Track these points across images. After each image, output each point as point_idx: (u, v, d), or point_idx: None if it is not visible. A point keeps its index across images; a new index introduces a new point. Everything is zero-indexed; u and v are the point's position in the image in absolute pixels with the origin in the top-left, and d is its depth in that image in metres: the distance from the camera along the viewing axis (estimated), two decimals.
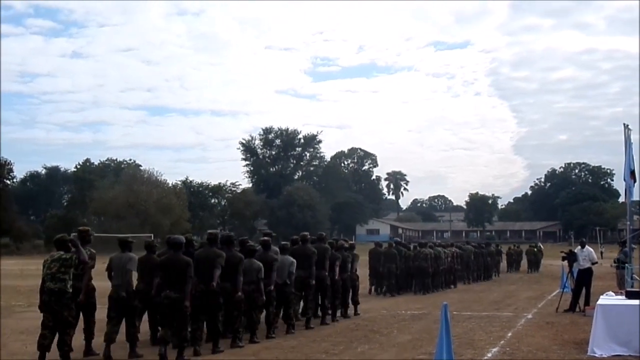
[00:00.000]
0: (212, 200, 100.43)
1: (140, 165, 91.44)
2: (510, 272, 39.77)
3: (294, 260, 13.98)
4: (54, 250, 10.42)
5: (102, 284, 12.03)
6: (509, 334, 13.73)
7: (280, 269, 13.47)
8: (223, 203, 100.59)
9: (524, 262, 42.40)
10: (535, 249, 43.44)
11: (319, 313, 15.89)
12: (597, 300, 12.26)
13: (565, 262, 19.57)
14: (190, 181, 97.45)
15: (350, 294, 17.11)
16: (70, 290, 10.07)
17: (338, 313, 16.31)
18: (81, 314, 11.08)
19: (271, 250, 13.63)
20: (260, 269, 12.47)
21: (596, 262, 19.17)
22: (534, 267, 41.28)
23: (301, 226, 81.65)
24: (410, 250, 25.53)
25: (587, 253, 18.52)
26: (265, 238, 13.94)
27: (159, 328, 11.76)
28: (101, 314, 11.61)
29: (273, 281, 13.13)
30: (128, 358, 11.06)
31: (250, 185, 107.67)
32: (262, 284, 12.52)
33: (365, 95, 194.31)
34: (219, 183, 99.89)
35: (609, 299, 12.25)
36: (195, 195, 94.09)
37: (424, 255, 24.67)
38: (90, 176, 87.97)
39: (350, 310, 17.12)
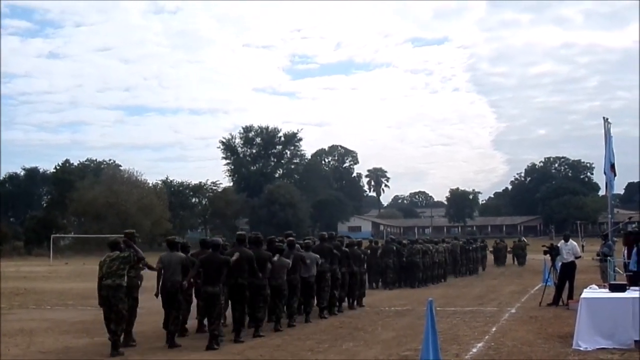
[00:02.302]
0: (193, 200, 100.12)
1: (120, 165, 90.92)
2: (497, 267, 40.32)
3: (318, 256, 15.66)
4: (108, 251, 11.74)
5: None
6: (494, 329, 13.75)
7: (308, 264, 15.19)
8: (204, 202, 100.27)
9: (508, 257, 43.05)
10: (522, 243, 43.95)
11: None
12: (581, 293, 12.28)
13: (548, 256, 19.63)
14: (171, 181, 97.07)
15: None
16: (125, 285, 11.45)
17: (354, 303, 18.43)
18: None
19: (295, 248, 15.30)
20: (287, 266, 14.17)
21: (580, 256, 19.27)
22: (520, 261, 41.82)
23: (282, 225, 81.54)
24: (404, 246, 26.78)
25: (571, 247, 18.60)
26: (291, 238, 15.76)
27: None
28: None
29: (299, 276, 14.89)
30: (168, 347, 12.10)
31: (231, 184, 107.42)
32: (285, 279, 14.12)
33: (344, 92, 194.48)
34: (200, 182, 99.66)
35: (592, 292, 12.26)
36: (176, 195, 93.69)
37: (416, 251, 26.17)
38: (69, 177, 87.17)
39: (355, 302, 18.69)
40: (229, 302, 13.42)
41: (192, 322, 14.03)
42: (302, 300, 15.53)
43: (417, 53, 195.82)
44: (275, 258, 13.92)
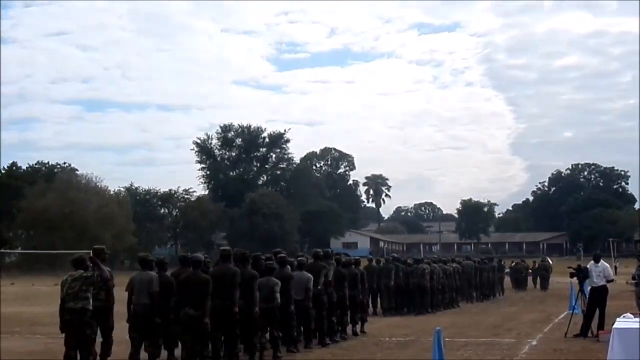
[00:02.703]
0: (162, 210, 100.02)
1: (77, 170, 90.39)
2: (516, 291, 40.38)
3: (311, 276, 15.94)
4: (71, 270, 11.86)
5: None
6: None
7: (297, 285, 15.43)
8: (174, 213, 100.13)
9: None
10: (546, 264, 44.08)
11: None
12: (613, 323, 12.28)
13: (575, 279, 19.64)
14: (136, 188, 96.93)
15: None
16: (91, 309, 11.55)
17: (349, 330, 18.65)
18: (98, 331, 12.44)
19: (286, 267, 15.65)
20: (277, 285, 14.42)
21: (612, 280, 19.28)
22: (544, 284, 41.91)
23: (266, 239, 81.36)
24: (409, 265, 26.71)
25: (602, 268, 18.54)
26: (282, 255, 16.09)
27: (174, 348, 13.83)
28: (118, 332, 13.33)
29: (292, 299, 15.15)
30: None
31: (207, 192, 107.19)
32: (278, 301, 14.43)
33: (338, 86, 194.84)
34: (170, 190, 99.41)
35: (626, 321, 12.26)
36: (142, 204, 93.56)
37: (422, 272, 26.17)
38: (17, 182, 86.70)
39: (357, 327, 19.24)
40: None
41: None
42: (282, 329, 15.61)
43: (423, 41, 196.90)
44: (262, 278, 14.24)
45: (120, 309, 13.36)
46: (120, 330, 13.61)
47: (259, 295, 13.88)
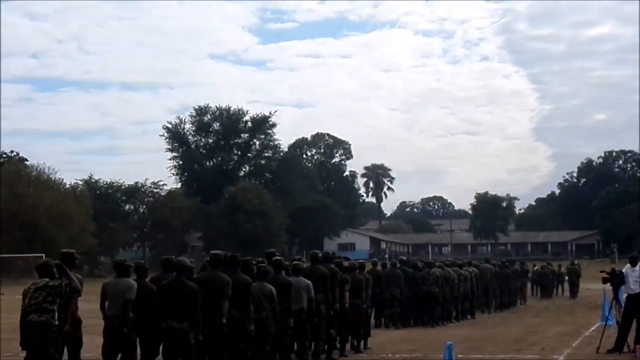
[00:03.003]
0: (126, 207, 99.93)
1: (26, 160, 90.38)
2: (540, 299, 40.77)
3: (310, 283, 16.05)
4: (35, 278, 11.82)
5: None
6: None
7: (296, 294, 15.48)
8: (141, 210, 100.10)
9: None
10: (577, 267, 44.24)
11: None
12: None
13: (608, 286, 19.66)
14: (96, 181, 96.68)
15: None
16: (57, 323, 11.48)
17: (347, 346, 18.68)
18: (65, 350, 12.60)
19: (282, 273, 15.68)
20: (272, 294, 14.39)
21: None
22: (574, 291, 42.06)
23: (249, 241, 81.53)
24: (419, 270, 26.84)
25: None
26: (278, 258, 16.13)
27: None
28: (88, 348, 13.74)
29: (291, 310, 15.20)
30: None
31: (179, 185, 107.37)
32: (274, 311, 14.46)
33: (332, 61, 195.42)
34: (136, 183, 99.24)
35: None
36: (103, 200, 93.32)
37: (435, 278, 26.37)
38: None
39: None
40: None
41: None
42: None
43: (431, 9, 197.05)
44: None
45: (87, 322, 13.54)
46: (91, 346, 13.85)
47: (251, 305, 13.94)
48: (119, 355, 13.30)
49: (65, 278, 11.64)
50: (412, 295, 26.01)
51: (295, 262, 17.00)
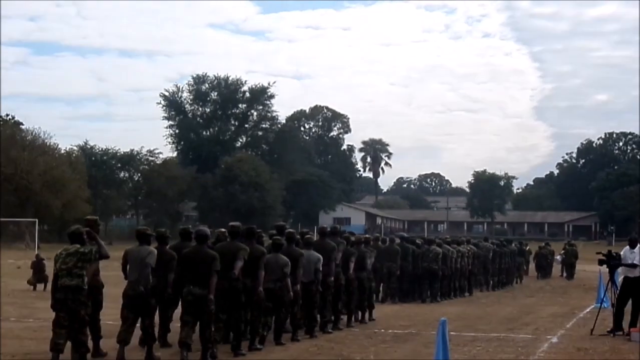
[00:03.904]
0: (121, 174, 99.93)
1: (21, 124, 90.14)
2: (537, 279, 41.07)
3: (320, 256, 16.62)
4: (67, 244, 12.71)
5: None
6: None
7: (306, 266, 16.12)
8: (136, 178, 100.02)
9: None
10: (574, 249, 44.29)
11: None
12: None
13: (604, 267, 19.66)
14: (91, 147, 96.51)
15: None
16: (86, 287, 12.42)
17: (353, 318, 19.26)
18: None
19: (293, 244, 16.31)
20: (287, 265, 15.10)
21: None
22: (570, 272, 42.18)
23: (244, 211, 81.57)
24: (419, 247, 27.20)
25: (638, 255, 18.50)
26: (291, 230, 16.98)
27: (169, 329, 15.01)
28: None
29: (299, 279, 15.81)
30: None
31: (175, 154, 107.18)
32: (288, 281, 15.14)
33: (332, 33, 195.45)
34: (131, 150, 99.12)
35: None
36: (98, 167, 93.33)
37: (435, 255, 26.79)
38: None
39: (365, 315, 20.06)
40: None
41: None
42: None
43: None
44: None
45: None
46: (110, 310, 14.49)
47: (265, 274, 14.60)
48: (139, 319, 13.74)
49: (95, 244, 12.63)
50: (412, 271, 26.14)
51: (306, 236, 17.66)
